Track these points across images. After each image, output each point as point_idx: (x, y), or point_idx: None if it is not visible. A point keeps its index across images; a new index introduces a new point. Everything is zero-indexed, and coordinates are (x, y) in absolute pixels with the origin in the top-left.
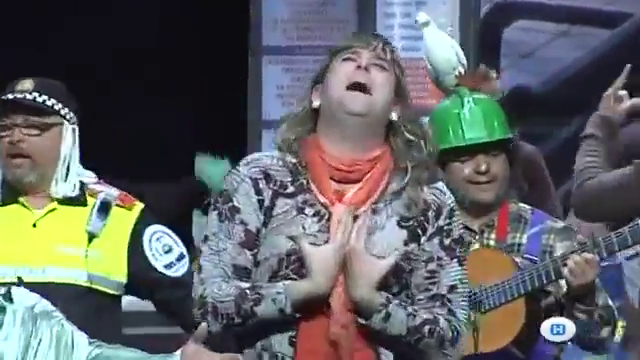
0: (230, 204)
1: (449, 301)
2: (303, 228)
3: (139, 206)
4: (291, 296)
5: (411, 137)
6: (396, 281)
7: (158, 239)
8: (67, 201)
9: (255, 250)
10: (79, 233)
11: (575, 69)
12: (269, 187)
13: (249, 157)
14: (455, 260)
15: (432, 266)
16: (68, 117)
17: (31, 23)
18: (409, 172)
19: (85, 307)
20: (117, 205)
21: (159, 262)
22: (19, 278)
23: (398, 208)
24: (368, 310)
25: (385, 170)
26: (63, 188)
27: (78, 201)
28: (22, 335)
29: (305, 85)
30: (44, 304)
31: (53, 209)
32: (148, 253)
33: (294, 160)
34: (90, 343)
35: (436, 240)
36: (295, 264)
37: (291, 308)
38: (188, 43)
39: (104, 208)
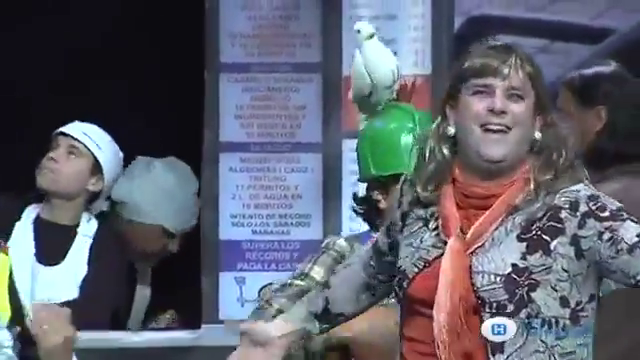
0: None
1: None
2: (421, 241)
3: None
4: None
5: (552, 152)
6: (508, 298)
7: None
8: None
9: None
10: None
11: (555, 87)
12: (411, 192)
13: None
14: (628, 221)
15: (606, 236)
16: None
17: None
18: (539, 188)
19: None
20: None
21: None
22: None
23: (521, 220)
24: None
25: (518, 190)
26: None
27: None
28: None
29: (269, 104)
30: None
31: None
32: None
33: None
34: None
35: (591, 221)
36: (399, 277)
37: None
38: (138, 55)
39: None
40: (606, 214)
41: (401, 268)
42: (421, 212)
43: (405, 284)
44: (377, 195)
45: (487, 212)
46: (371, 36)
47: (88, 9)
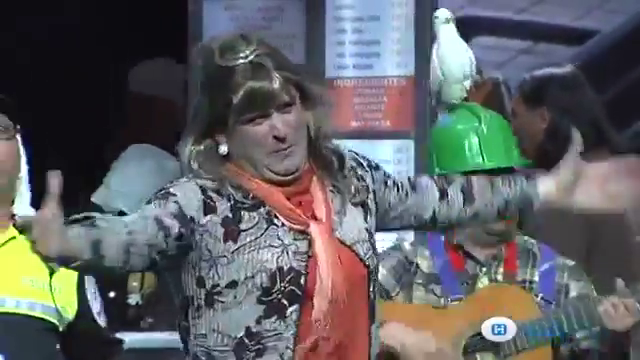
0: (164, 191)
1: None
2: (280, 239)
3: None
4: None
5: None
6: (375, 264)
7: (90, 282)
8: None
9: (183, 229)
10: (40, 264)
11: None
12: (223, 198)
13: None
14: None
15: (390, 182)
16: (20, 133)
17: None
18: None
19: (44, 343)
20: None
21: (94, 307)
22: None
23: (338, 185)
24: None
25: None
26: (24, 208)
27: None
28: None
29: None
30: None
31: (13, 237)
32: (89, 295)
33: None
34: None
35: (376, 173)
36: (291, 276)
37: None
38: (122, 54)
39: None
40: (377, 164)
41: (284, 269)
42: (255, 214)
43: (302, 281)
44: None
45: (314, 193)
46: (448, 21)
47: (76, 10)
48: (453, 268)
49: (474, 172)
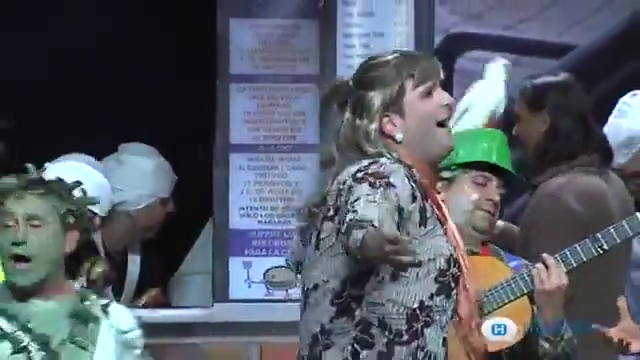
0: (385, 180)
1: None
2: (439, 229)
3: None
4: None
5: None
6: None
7: None
8: None
9: (397, 218)
10: None
11: None
12: (416, 185)
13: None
14: None
15: None
16: None
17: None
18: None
19: None
20: None
21: None
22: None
23: None
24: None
25: None
26: None
27: None
28: (115, 354)
29: (273, 110)
30: (135, 334)
31: None
32: None
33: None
34: None
35: None
36: (457, 263)
37: None
38: (159, 67)
39: None
40: None
41: (453, 256)
42: (428, 204)
43: (459, 267)
44: None
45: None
46: (507, 74)
47: (102, 30)
48: None
49: (478, 163)
